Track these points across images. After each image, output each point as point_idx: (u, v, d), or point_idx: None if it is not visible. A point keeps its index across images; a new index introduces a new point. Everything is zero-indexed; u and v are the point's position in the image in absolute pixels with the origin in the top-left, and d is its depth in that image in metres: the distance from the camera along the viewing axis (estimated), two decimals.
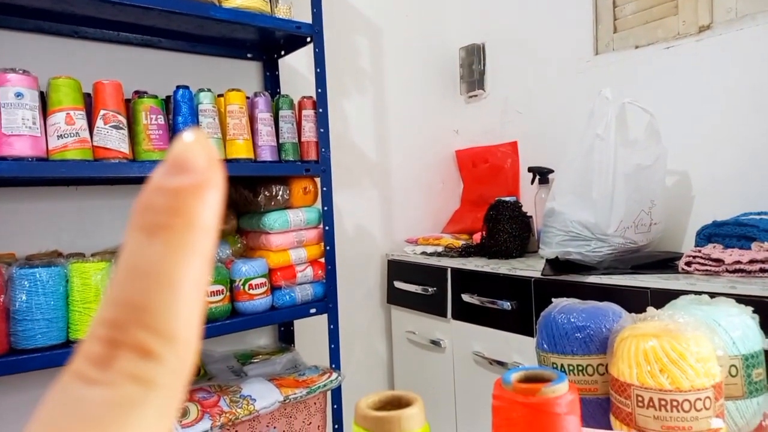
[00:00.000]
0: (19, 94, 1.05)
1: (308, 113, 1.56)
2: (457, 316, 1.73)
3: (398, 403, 0.39)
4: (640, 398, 0.67)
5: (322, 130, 1.55)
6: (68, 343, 1.16)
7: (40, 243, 1.38)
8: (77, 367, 0.11)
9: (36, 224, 1.39)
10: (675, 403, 0.65)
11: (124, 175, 1.22)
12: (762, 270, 1.17)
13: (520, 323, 1.52)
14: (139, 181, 1.48)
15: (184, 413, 1.24)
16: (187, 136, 0.13)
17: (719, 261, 1.23)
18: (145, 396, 0.11)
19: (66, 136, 1.12)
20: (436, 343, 1.80)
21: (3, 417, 1.34)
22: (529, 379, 0.44)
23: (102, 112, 1.19)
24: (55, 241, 1.40)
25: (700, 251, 1.28)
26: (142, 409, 0.11)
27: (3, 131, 1.04)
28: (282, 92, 1.74)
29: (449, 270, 1.75)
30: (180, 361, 0.12)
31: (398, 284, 1.95)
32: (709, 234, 1.34)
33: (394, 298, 2.00)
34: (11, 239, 1.35)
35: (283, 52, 1.75)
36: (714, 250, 1.28)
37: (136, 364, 0.11)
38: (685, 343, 0.66)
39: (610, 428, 0.71)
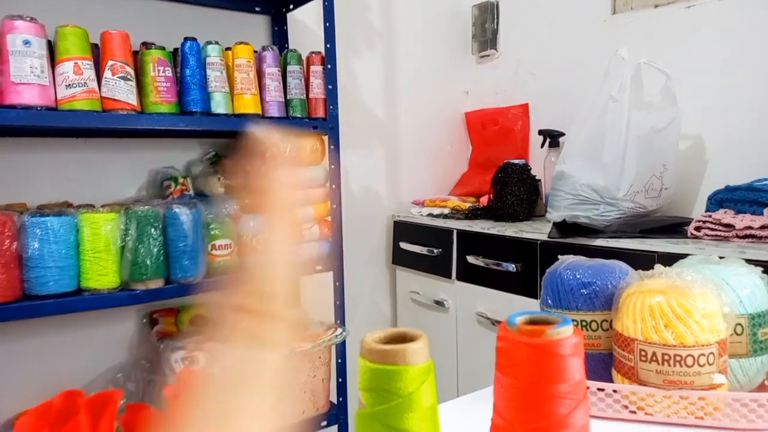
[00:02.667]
0: (26, 42, 1.04)
1: (316, 69, 1.54)
2: (461, 277, 1.74)
3: (403, 339, 0.40)
4: (643, 353, 0.67)
5: (330, 86, 1.53)
6: (79, 291, 1.18)
7: (50, 194, 1.39)
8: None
9: (46, 176, 1.40)
10: (678, 358, 0.66)
11: (132, 127, 1.22)
12: None
13: (524, 285, 1.53)
14: (149, 133, 1.48)
15: (192, 362, 1.27)
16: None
17: (730, 226, 1.22)
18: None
19: (74, 85, 1.11)
20: (440, 303, 1.82)
21: (17, 360, 1.38)
22: (533, 323, 0.44)
23: (110, 62, 1.17)
24: (64, 192, 1.41)
25: (710, 216, 1.27)
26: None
27: (12, 79, 1.04)
28: (290, 47, 1.71)
29: (455, 232, 1.75)
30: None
31: (404, 245, 1.96)
32: (721, 199, 1.32)
33: (399, 258, 2.01)
34: (22, 190, 1.36)
35: (291, 6, 1.71)
36: (725, 215, 1.26)
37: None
38: (691, 299, 0.66)
39: (612, 382, 0.72)
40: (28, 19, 1.05)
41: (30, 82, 1.05)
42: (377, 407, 0.38)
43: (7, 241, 1.10)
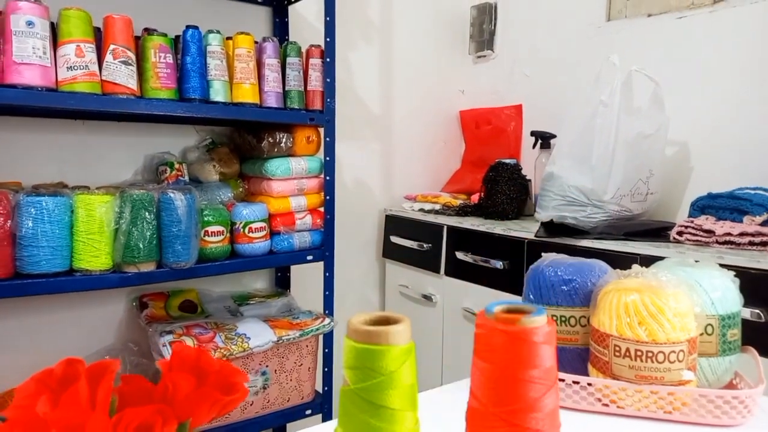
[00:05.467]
0: (30, 23, 1.05)
1: (315, 62, 1.55)
2: (450, 272, 1.77)
3: (387, 322, 0.42)
4: (617, 348, 0.71)
5: (328, 79, 1.55)
6: (72, 272, 1.19)
7: (46, 174, 1.40)
8: None
9: (42, 156, 1.41)
10: (650, 354, 0.69)
11: (131, 111, 1.23)
12: (751, 243, 1.20)
13: (510, 282, 1.56)
14: (147, 118, 1.49)
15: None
16: None
17: (710, 232, 1.26)
18: None
19: (75, 68, 1.12)
20: (427, 297, 1.85)
21: (6, 339, 1.40)
22: (510, 312, 0.47)
23: (111, 46, 1.19)
24: (60, 173, 1.42)
25: (692, 222, 1.31)
26: None
27: (14, 59, 1.05)
28: (290, 39, 1.73)
29: (445, 228, 1.78)
30: None
31: (394, 239, 1.98)
32: (703, 205, 1.36)
33: (390, 252, 2.04)
34: (19, 169, 1.37)
35: None
36: (706, 221, 1.30)
37: None
38: (664, 299, 0.69)
39: (587, 375, 0.75)
40: (32, 0, 1.06)
41: (31, 63, 1.06)
42: (360, 384, 0.40)
43: (1, 219, 1.11)
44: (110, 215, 1.20)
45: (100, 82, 1.18)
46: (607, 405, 0.71)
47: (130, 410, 0.37)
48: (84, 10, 1.15)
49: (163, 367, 0.44)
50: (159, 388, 0.43)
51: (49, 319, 1.45)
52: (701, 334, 0.73)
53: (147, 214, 1.25)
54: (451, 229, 1.77)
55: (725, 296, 0.75)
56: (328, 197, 1.58)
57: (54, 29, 1.15)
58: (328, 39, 1.53)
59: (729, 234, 1.22)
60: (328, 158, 1.57)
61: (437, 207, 1.95)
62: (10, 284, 1.12)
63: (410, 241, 1.90)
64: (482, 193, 1.83)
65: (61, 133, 1.43)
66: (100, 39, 1.21)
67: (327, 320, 1.53)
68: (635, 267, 0.77)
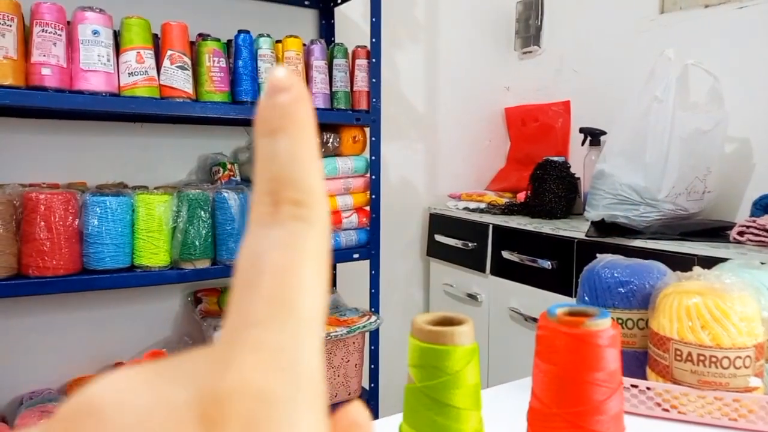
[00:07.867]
0: (95, 32, 1.11)
1: (361, 63, 1.57)
2: (495, 272, 1.76)
3: (450, 323, 0.43)
4: (678, 352, 0.69)
5: (374, 80, 1.56)
6: (133, 268, 1.25)
7: (107, 175, 1.47)
8: (257, 218, 0.16)
9: (104, 157, 1.48)
10: (714, 359, 0.67)
11: (187, 114, 1.28)
12: None
13: (559, 282, 1.54)
14: (201, 120, 1.54)
15: None
16: (277, 70, 0.17)
17: None
18: (308, 228, 0.16)
19: (136, 73, 1.18)
20: (472, 296, 1.84)
21: (72, 330, 1.47)
22: (573, 314, 0.47)
23: (169, 52, 1.23)
24: (120, 173, 1.49)
25: (755, 221, 1.26)
26: (308, 236, 0.15)
27: (81, 66, 1.11)
28: (336, 41, 1.75)
29: (491, 226, 1.77)
30: (323, 205, 0.16)
31: (439, 238, 1.98)
32: (767, 204, 1.30)
33: (434, 250, 2.04)
34: (83, 170, 1.44)
35: (339, 0, 1.75)
36: None
37: (295, 209, 0.15)
38: (729, 302, 0.67)
39: (645, 379, 0.74)
40: (97, 10, 1.12)
41: (97, 70, 1.12)
42: (426, 382, 0.41)
43: (70, 218, 1.18)
44: (168, 214, 1.25)
45: (159, 86, 1.23)
46: (667, 410, 0.70)
47: None
48: (144, 18, 1.20)
49: None
50: None
51: (110, 313, 1.52)
52: None
53: (203, 212, 1.29)
54: (496, 227, 1.75)
55: None
56: (373, 196, 1.60)
57: (116, 37, 1.20)
58: (374, 39, 1.54)
59: None
60: (373, 157, 1.59)
61: (482, 205, 1.94)
62: (78, 279, 1.19)
63: (455, 240, 1.90)
64: (529, 192, 1.81)
65: (121, 135, 1.50)
66: (158, 45, 1.26)
67: (373, 318, 1.54)
68: (696, 269, 0.75)
